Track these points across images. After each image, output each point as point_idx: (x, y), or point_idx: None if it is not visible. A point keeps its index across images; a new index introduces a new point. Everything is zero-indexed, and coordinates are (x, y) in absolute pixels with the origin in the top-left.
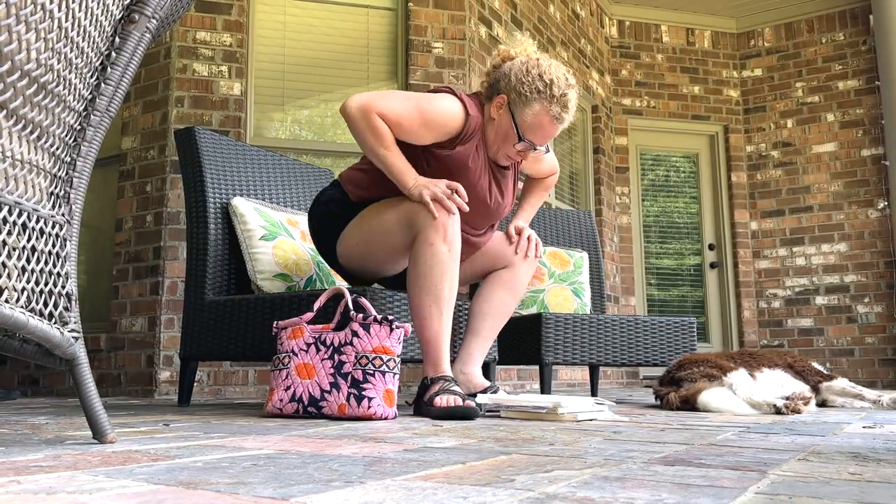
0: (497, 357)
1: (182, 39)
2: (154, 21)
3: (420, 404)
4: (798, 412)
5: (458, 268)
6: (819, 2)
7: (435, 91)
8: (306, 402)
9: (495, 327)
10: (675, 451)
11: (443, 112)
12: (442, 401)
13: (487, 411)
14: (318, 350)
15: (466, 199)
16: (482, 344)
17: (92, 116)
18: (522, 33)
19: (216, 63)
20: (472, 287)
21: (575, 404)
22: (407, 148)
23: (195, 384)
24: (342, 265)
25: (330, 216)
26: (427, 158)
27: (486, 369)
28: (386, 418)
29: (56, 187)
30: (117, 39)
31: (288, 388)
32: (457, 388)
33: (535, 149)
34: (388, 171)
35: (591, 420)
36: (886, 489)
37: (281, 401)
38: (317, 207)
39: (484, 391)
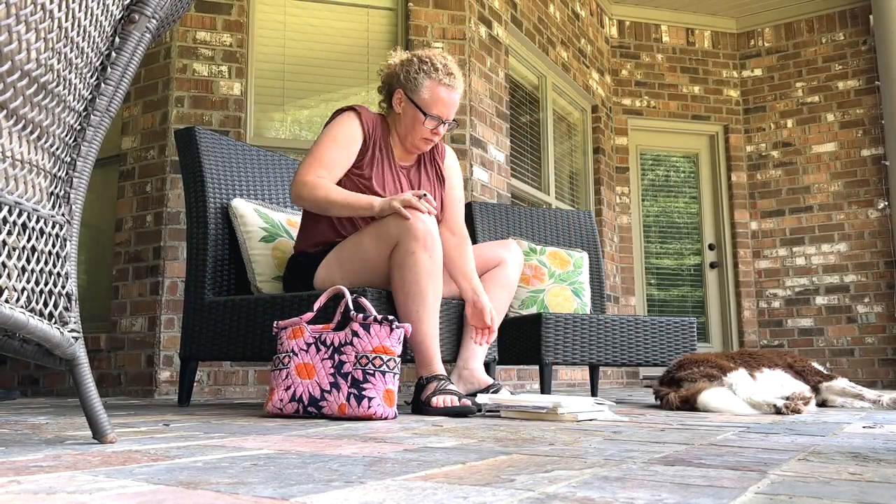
0: (497, 357)
1: (182, 39)
2: (154, 21)
3: (418, 403)
4: (798, 412)
5: (442, 271)
6: (819, 2)
7: (340, 113)
8: (306, 402)
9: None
10: (675, 451)
11: (339, 126)
12: (439, 401)
13: (488, 411)
14: (318, 350)
15: (435, 204)
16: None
17: (92, 116)
18: (522, 33)
19: (216, 63)
20: None
21: (575, 404)
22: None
23: (195, 384)
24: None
25: (300, 267)
26: (359, 184)
27: (487, 369)
28: (386, 418)
29: (56, 187)
30: (117, 39)
31: (288, 388)
32: (453, 387)
33: (443, 122)
34: (351, 209)
35: (591, 420)
36: (886, 489)
37: (281, 401)
38: (288, 272)
39: (487, 388)
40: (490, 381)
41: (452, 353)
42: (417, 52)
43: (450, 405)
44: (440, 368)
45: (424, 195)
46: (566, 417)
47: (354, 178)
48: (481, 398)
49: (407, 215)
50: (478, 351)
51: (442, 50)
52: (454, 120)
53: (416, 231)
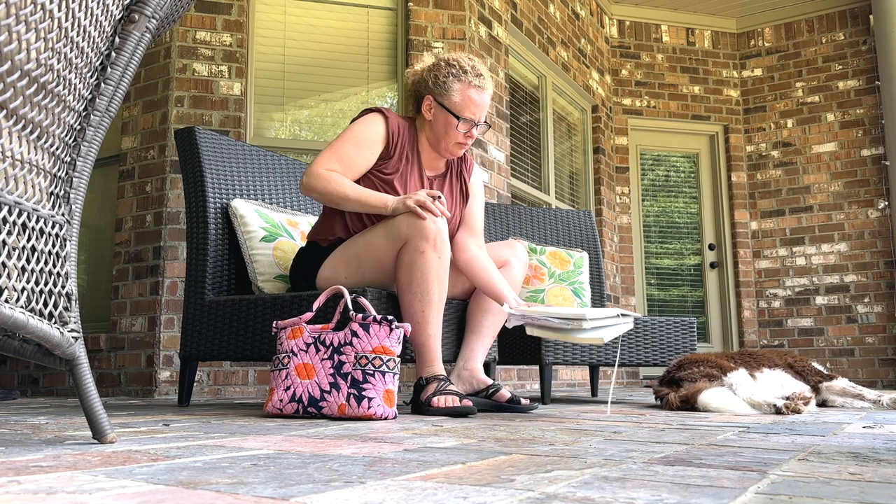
0: (497, 357)
1: (182, 39)
2: (154, 21)
3: (418, 403)
4: (798, 412)
5: (448, 272)
6: (819, 2)
7: (365, 113)
8: (306, 403)
9: (496, 324)
10: (675, 451)
11: (362, 126)
12: (440, 401)
13: (513, 327)
14: (317, 350)
15: (447, 207)
16: (483, 341)
17: (92, 116)
18: (521, 33)
19: (216, 63)
20: None
21: (600, 315)
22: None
23: (195, 384)
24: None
25: (304, 260)
26: (378, 183)
27: (487, 369)
28: (386, 418)
29: (56, 187)
30: (117, 39)
31: (288, 388)
32: (453, 388)
33: (476, 124)
34: (365, 206)
35: (617, 338)
36: (886, 489)
37: (281, 401)
38: (296, 261)
39: (486, 389)
40: (489, 381)
41: (452, 354)
42: (444, 56)
43: (451, 405)
44: (441, 369)
45: (439, 197)
46: (590, 340)
47: (378, 182)
48: (512, 321)
49: (421, 214)
50: (478, 351)
51: (469, 54)
52: (486, 122)
53: (426, 231)
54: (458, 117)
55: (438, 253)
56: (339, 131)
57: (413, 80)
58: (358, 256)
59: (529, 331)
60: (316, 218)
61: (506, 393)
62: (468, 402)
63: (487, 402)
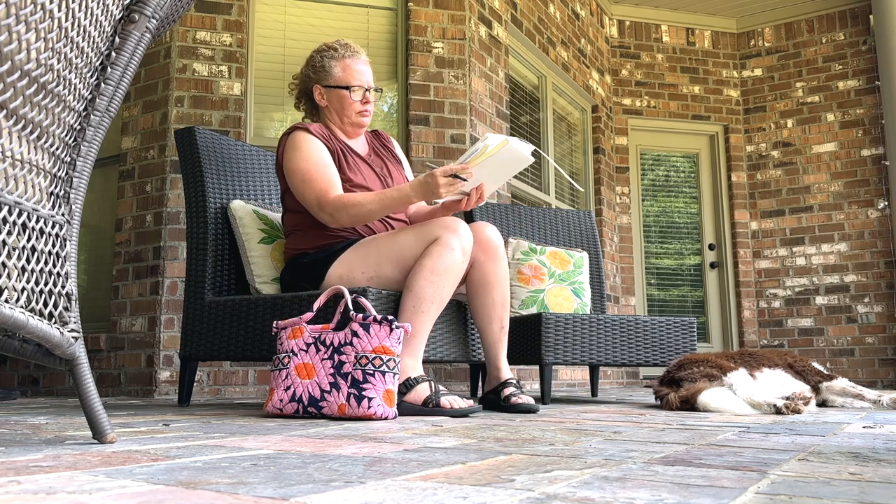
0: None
1: (182, 39)
2: (154, 21)
3: (401, 402)
4: (798, 412)
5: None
6: (819, 2)
7: (289, 135)
8: (306, 403)
9: (502, 321)
10: (675, 451)
11: (304, 147)
12: (446, 402)
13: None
14: (317, 350)
15: (467, 177)
16: (504, 345)
17: (92, 116)
18: (522, 33)
19: (216, 63)
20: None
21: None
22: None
23: (195, 384)
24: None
25: (302, 266)
26: (349, 189)
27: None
28: (386, 418)
29: (56, 187)
30: (117, 39)
31: (288, 388)
32: (446, 391)
33: (367, 89)
34: (391, 209)
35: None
36: (886, 489)
37: (281, 401)
38: (289, 273)
39: (504, 383)
40: (504, 377)
41: (453, 354)
42: (313, 52)
43: (464, 405)
44: (421, 368)
45: (455, 172)
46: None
47: (349, 187)
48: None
49: (458, 186)
50: (503, 358)
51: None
52: (378, 89)
53: (461, 237)
54: (347, 88)
55: (464, 256)
56: None
57: (297, 84)
58: (379, 253)
59: (468, 179)
60: None
61: (508, 392)
62: (471, 403)
63: (494, 399)
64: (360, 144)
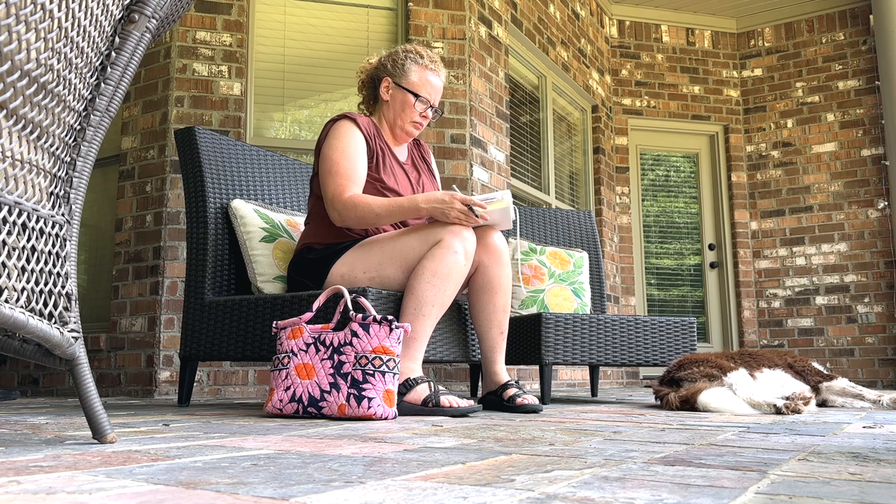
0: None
1: (182, 39)
2: (154, 21)
3: (401, 402)
4: (798, 412)
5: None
6: (819, 2)
7: (336, 121)
8: (306, 403)
9: (502, 326)
10: (675, 451)
11: (344, 137)
12: (446, 401)
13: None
14: (317, 350)
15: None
16: (503, 349)
17: (92, 116)
18: (522, 33)
19: (216, 63)
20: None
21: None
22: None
23: (195, 384)
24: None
25: (307, 263)
26: (379, 189)
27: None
28: (386, 418)
29: (56, 187)
30: (117, 39)
31: (288, 388)
32: (445, 390)
33: (432, 107)
34: (399, 217)
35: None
36: (886, 489)
37: (281, 401)
38: (294, 268)
39: (505, 385)
40: (503, 380)
41: (453, 354)
42: (399, 47)
43: (465, 405)
44: (421, 370)
45: (474, 205)
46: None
47: (373, 183)
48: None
49: (467, 225)
50: (501, 362)
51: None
52: (439, 110)
53: (465, 241)
54: (416, 95)
55: (467, 260)
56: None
57: (369, 68)
58: (382, 253)
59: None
60: None
61: (512, 392)
62: (471, 402)
63: (495, 400)
64: (401, 150)
